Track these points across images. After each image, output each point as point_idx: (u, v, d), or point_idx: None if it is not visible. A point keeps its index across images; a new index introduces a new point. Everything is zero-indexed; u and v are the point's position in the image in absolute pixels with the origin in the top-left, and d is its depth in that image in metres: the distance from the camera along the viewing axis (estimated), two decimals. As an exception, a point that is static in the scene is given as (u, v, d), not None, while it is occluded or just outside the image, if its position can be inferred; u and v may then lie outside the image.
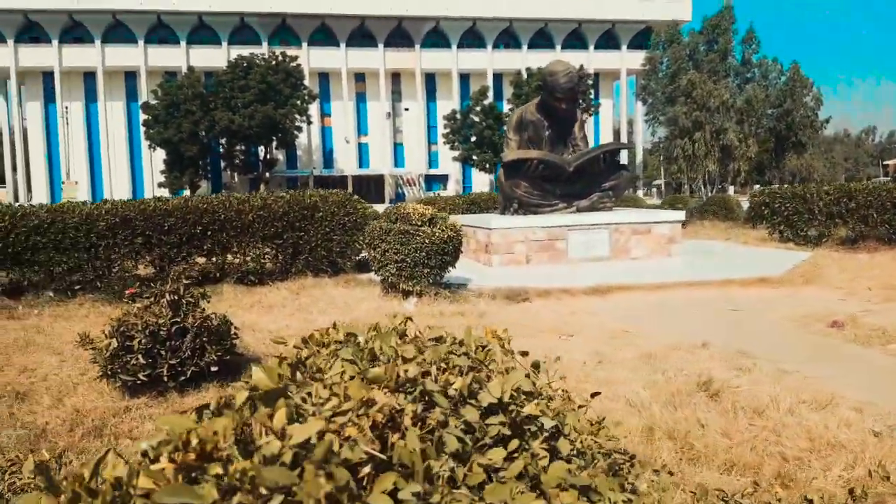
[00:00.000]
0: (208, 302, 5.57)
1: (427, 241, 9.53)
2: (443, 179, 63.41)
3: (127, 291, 6.25)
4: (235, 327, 6.02)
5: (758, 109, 41.88)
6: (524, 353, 1.65)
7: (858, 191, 14.95)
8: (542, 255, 13.02)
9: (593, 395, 1.76)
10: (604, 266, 12.44)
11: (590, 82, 51.68)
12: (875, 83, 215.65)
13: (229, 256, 11.64)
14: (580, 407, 1.51)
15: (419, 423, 0.95)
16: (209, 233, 11.04)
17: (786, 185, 16.78)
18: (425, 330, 1.48)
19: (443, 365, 1.18)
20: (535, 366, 1.48)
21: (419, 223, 9.76)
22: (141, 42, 58.16)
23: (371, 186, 61.88)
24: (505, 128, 15.01)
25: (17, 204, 12.28)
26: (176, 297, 5.26)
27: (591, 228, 13.18)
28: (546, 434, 1.09)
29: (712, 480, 3.76)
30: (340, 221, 11.81)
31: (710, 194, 35.33)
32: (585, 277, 11.07)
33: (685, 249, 14.19)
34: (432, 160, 64.33)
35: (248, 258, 11.58)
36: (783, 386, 5.55)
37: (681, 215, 14.01)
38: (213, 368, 5.38)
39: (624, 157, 66.36)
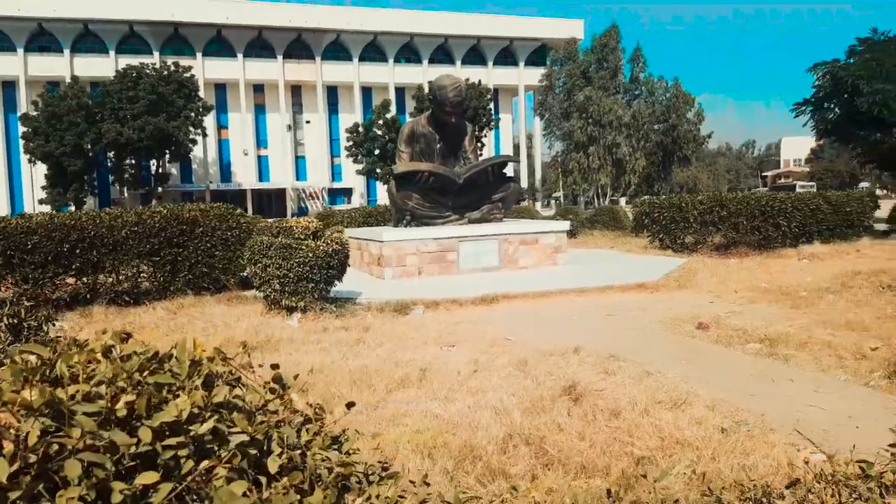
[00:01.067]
0: (53, 325, 5.17)
1: (311, 254, 9.33)
2: (347, 193, 62.80)
3: (-41, 316, 5.73)
4: (87, 351, 5.63)
5: (643, 124, 44.10)
6: (274, 366, 1.59)
7: (730, 200, 15.96)
8: (434, 266, 13.07)
9: (348, 405, 1.72)
10: (493, 276, 12.62)
11: (489, 97, 52.74)
12: (755, 99, 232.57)
13: (101, 276, 10.97)
14: (315, 422, 1.46)
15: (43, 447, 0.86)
16: (78, 251, 10.36)
17: (663, 196, 17.69)
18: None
19: (123, 384, 1.09)
20: (277, 380, 1.42)
21: (302, 237, 9.56)
22: (20, 50, 54.40)
23: (272, 200, 60.40)
24: (398, 140, 15.04)
25: None
26: (16, 321, 4.85)
27: (480, 239, 13.37)
28: (231, 452, 1.02)
29: (562, 484, 3.83)
30: (223, 236, 11.39)
31: (603, 205, 36.81)
32: (474, 288, 11.18)
33: (572, 258, 14.65)
34: (335, 173, 63.62)
35: (122, 277, 10.96)
36: (644, 387, 5.77)
37: (566, 226, 14.45)
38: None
39: (520, 170, 68.17)
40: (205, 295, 11.35)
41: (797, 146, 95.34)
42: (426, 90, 52.55)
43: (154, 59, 52.79)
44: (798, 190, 50.33)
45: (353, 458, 1.41)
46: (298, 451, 1.23)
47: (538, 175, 67.73)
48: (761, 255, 15.26)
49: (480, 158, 15.66)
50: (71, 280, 10.88)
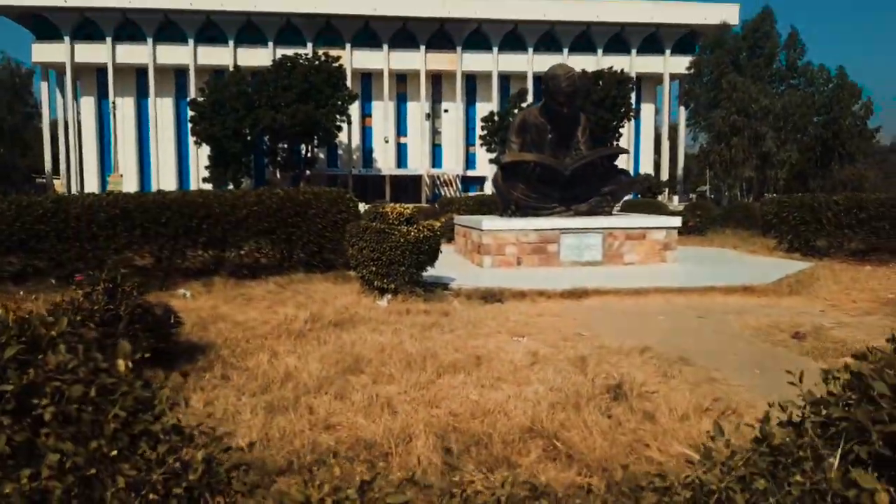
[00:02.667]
0: (139, 293, 5.83)
1: (402, 240, 9.75)
2: (480, 181, 63.40)
3: (76, 278, 6.65)
4: (177, 317, 6.35)
5: (795, 115, 40.61)
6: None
7: (870, 202, 14.55)
8: (534, 257, 13.09)
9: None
10: (593, 270, 12.44)
11: (630, 86, 50.99)
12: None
13: (226, 251, 12.09)
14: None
15: None
16: (205, 226, 11.49)
17: (798, 195, 16.39)
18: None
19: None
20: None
21: (395, 222, 9.99)
22: (191, 41, 59.97)
23: (409, 186, 62.31)
24: (508, 130, 15.12)
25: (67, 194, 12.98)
26: (111, 286, 5.59)
27: (583, 232, 13.19)
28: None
29: (559, 479, 3.86)
30: (333, 219, 12.12)
31: (738, 202, 34.52)
32: (569, 281, 11.10)
33: (685, 256, 14.05)
34: (470, 162, 64.41)
35: (243, 252, 12.01)
36: (698, 393, 5.57)
37: (677, 222, 13.87)
38: (146, 355, 5.70)
39: (661, 163, 65.24)
40: (315, 272, 12.16)
41: None
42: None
43: (307, 50, 56.12)
44: None
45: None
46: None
47: (680, 167, 64.54)
48: (903, 264, 13.78)
49: (596, 150, 15.34)
50: (199, 253, 12.09)
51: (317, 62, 50.23)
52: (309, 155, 54.81)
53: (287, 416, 4.66)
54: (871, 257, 14.38)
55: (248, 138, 51.65)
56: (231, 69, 54.90)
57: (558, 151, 14.49)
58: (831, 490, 1.09)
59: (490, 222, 13.12)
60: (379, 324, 8.20)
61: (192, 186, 57.23)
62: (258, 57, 58.91)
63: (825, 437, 1.25)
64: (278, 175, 58.73)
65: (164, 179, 58.98)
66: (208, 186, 50.55)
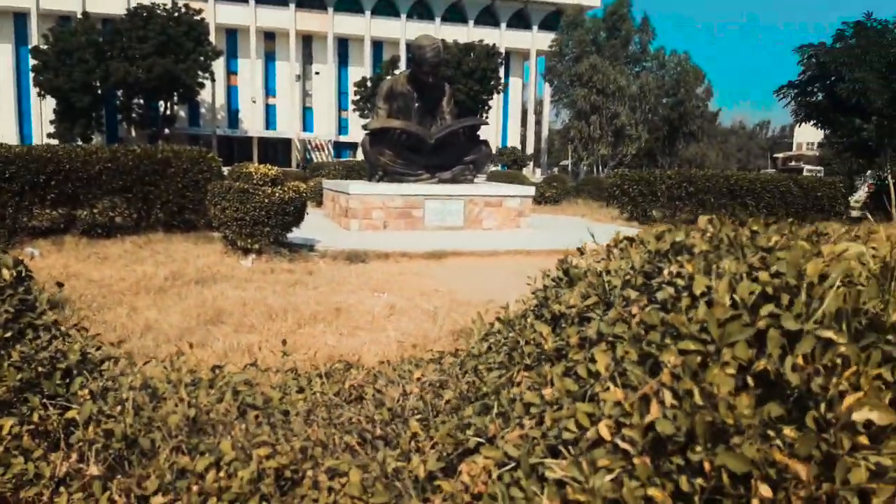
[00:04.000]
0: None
1: (267, 200, 9.88)
2: (352, 147, 62.95)
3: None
4: (27, 270, 6.23)
5: (649, 97, 43.89)
6: (59, 284, 2.14)
7: (698, 177, 16.34)
8: (399, 221, 13.60)
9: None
10: (454, 234, 13.15)
11: (499, 60, 52.44)
12: (772, 79, 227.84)
13: (78, 210, 11.57)
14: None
15: None
16: (53, 183, 10.95)
17: (637, 170, 18.03)
18: None
19: None
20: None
21: (260, 183, 10.09)
22: (34, -19, 54.37)
23: (279, 149, 60.70)
24: (376, 97, 15.41)
25: None
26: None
27: (447, 199, 13.86)
28: None
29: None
30: (194, 178, 11.94)
31: (590, 176, 37.03)
32: (432, 244, 11.71)
33: (537, 223, 15.13)
34: (342, 127, 63.73)
35: (96, 211, 11.55)
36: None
37: (531, 191, 14.90)
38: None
39: (527, 136, 67.90)
40: (175, 233, 11.96)
41: (812, 130, 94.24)
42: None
43: (166, 0, 52.65)
44: (805, 173, 50.16)
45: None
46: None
47: (544, 142, 67.55)
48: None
49: (459, 120, 16.00)
50: (47, 211, 11.49)
51: (176, 13, 47.31)
52: (168, 112, 51.80)
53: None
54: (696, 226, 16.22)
55: (99, 92, 47.96)
56: (79, 15, 50.44)
57: (424, 120, 15.01)
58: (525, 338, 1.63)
59: (357, 187, 13.45)
60: (242, 281, 8.38)
61: (36, 141, 52.37)
62: (110, 4, 54.52)
63: (538, 314, 1.80)
64: (133, 133, 55.10)
65: (3, 133, 53.52)
66: (54, 142, 46.52)
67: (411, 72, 15.00)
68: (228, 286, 8.01)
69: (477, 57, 49.56)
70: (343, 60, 63.56)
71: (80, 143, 45.93)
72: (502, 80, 54.14)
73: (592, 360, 1.17)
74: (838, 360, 0.78)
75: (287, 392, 1.77)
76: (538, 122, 68.56)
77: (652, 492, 0.82)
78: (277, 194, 9.93)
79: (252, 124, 60.44)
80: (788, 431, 0.75)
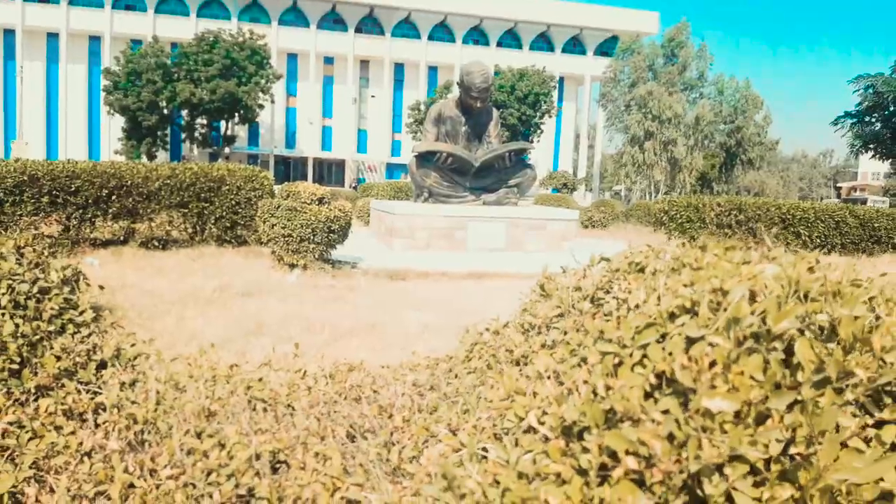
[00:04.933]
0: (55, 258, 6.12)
1: (313, 218, 10.24)
2: (404, 168, 63.97)
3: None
4: (85, 278, 6.66)
5: (703, 124, 43.33)
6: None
7: (748, 205, 16.07)
8: (442, 241, 13.82)
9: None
10: (496, 256, 13.28)
11: (553, 84, 52.65)
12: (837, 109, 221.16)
13: (137, 223, 12.20)
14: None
15: None
16: (115, 197, 11.57)
17: (685, 195, 17.83)
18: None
19: None
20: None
21: (308, 201, 10.47)
22: (107, 6, 57.50)
23: (332, 170, 62.19)
24: (425, 120, 15.78)
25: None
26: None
27: (490, 220, 14.02)
28: None
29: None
30: (247, 195, 12.42)
31: (640, 201, 36.66)
32: (471, 264, 11.87)
33: (580, 246, 15.13)
34: (395, 148, 64.86)
35: (154, 225, 12.15)
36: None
37: (575, 214, 14.94)
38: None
39: (578, 160, 67.65)
40: (227, 248, 12.45)
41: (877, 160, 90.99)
42: (491, 73, 52.55)
43: (232, 25, 54.95)
44: (870, 203, 48.36)
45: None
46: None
47: (597, 167, 67.18)
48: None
49: (505, 144, 16.20)
50: (109, 224, 12.15)
51: (241, 38, 49.33)
52: (229, 132, 53.79)
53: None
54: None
55: (165, 112, 50.21)
56: (149, 39, 53.06)
57: (471, 143, 15.28)
58: (502, 346, 1.78)
59: (403, 207, 13.75)
60: (285, 295, 8.69)
61: (104, 158, 55.03)
62: (179, 28, 57.19)
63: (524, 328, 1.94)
64: (195, 151, 57.34)
65: (73, 149, 56.53)
66: (120, 159, 48.85)
67: (460, 96, 15.30)
68: (272, 299, 8.33)
69: (530, 82, 49.88)
70: (398, 84, 64.86)
71: (144, 159, 48.11)
72: (556, 105, 54.26)
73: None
74: (719, 360, 0.91)
75: (294, 389, 1.96)
76: (591, 147, 68.30)
77: (559, 468, 0.95)
78: (324, 213, 10.27)
79: (308, 145, 62.11)
80: (658, 416, 0.87)
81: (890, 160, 19.57)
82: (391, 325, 7.35)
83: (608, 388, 1.00)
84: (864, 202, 58.60)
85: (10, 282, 1.83)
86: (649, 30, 61.00)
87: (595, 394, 1.04)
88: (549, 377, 1.21)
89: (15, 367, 1.65)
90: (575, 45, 64.94)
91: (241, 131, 58.98)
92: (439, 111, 15.52)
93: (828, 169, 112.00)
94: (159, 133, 50.52)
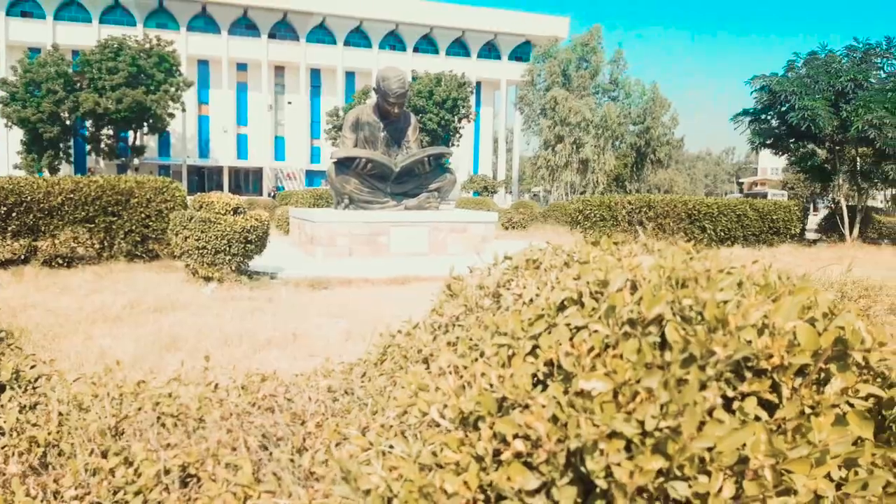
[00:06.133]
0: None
1: (229, 229, 9.99)
2: (324, 175, 63.22)
3: None
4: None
5: (612, 126, 44.96)
6: None
7: (657, 202, 16.78)
8: (365, 248, 13.76)
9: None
10: (419, 260, 13.33)
11: (470, 89, 53.29)
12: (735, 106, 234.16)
13: (39, 241, 11.56)
14: None
15: None
16: (14, 214, 10.94)
17: (595, 196, 18.47)
18: None
19: None
20: None
21: (222, 212, 10.21)
22: (1, 13, 54.17)
23: (249, 178, 60.74)
24: (343, 126, 15.70)
25: None
26: None
27: (411, 225, 14.07)
28: None
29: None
30: (158, 208, 12.01)
31: (557, 202, 37.72)
32: (395, 269, 11.88)
33: (502, 248, 15.38)
34: (314, 155, 63.98)
35: (58, 242, 11.54)
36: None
37: (494, 217, 15.20)
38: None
39: (497, 164, 68.79)
40: (137, 263, 11.98)
41: (775, 156, 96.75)
42: (409, 78, 52.72)
43: (137, 31, 52.81)
44: (769, 197, 51.35)
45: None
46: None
47: (515, 170, 68.49)
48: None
49: (424, 149, 16.31)
50: (8, 242, 11.45)
51: (147, 45, 47.47)
52: (138, 143, 51.62)
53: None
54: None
55: (67, 123, 47.71)
56: (49, 47, 50.29)
57: (390, 149, 15.30)
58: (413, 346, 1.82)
59: (323, 214, 13.61)
60: (201, 308, 8.45)
61: (2, 172, 51.69)
62: (81, 35, 54.57)
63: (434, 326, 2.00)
64: (102, 163, 54.78)
65: (-34, 164, 52.87)
66: (20, 173, 46.00)
67: (377, 102, 15.30)
68: (186, 314, 8.08)
69: (447, 87, 50.31)
70: (315, 90, 64.07)
71: (46, 173, 45.50)
72: (473, 109, 54.94)
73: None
74: (596, 345, 0.98)
75: (205, 403, 1.92)
76: (509, 150, 69.56)
77: (457, 457, 1.00)
78: (239, 223, 10.05)
79: (223, 154, 60.41)
80: (543, 401, 0.94)
81: (786, 155, 20.87)
82: (313, 334, 7.27)
83: (501, 378, 1.05)
84: (764, 196, 62.21)
85: None
86: (560, 34, 62.75)
87: (490, 385, 1.10)
88: (450, 372, 1.26)
89: None
90: (490, 51, 66.00)
91: (151, 141, 56.74)
92: (357, 117, 15.47)
93: (730, 165, 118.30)
94: (62, 145, 47.93)
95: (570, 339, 1.06)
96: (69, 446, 1.59)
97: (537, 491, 0.88)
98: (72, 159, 51.55)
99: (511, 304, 1.37)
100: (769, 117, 19.65)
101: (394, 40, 63.97)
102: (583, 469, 0.88)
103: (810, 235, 21.13)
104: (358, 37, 62.95)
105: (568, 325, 1.10)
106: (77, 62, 47.34)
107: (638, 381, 0.91)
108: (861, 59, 17.98)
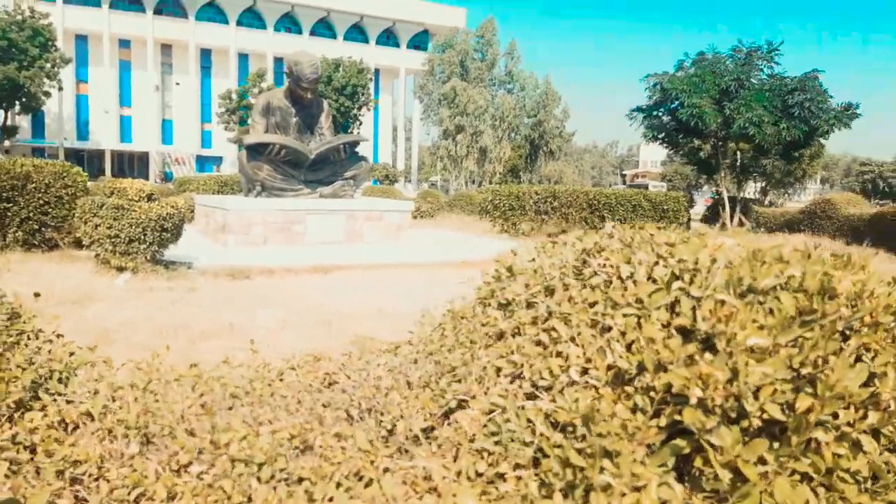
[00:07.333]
0: None
1: (143, 216, 9.57)
2: (217, 161, 60.78)
3: None
4: None
5: (508, 117, 46.19)
6: None
7: (562, 192, 17.56)
8: (280, 236, 13.53)
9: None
10: (336, 249, 13.29)
11: (369, 77, 52.87)
12: (624, 102, 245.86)
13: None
14: None
15: None
16: None
17: (507, 185, 19.09)
18: None
19: None
20: None
21: (135, 198, 9.77)
22: None
23: (135, 163, 57.39)
24: (251, 111, 15.28)
25: None
26: None
27: (328, 213, 13.98)
28: None
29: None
30: (57, 194, 11.27)
31: (462, 191, 38.43)
32: (314, 258, 11.80)
33: (415, 236, 15.60)
34: (205, 140, 61.30)
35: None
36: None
37: (409, 206, 15.40)
38: None
39: (397, 153, 68.89)
40: (35, 253, 11.20)
41: (656, 149, 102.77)
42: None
43: (7, 1, 48.38)
44: (650, 188, 54.32)
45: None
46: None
47: (415, 159, 68.77)
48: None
49: (339, 136, 16.18)
50: None
51: (19, 16, 43.66)
52: (8, 123, 47.47)
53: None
54: (560, 238, 17.42)
55: (-74, 99, 43.18)
56: None
57: (303, 135, 15.06)
58: (480, 323, 1.98)
59: (237, 202, 13.25)
60: (119, 301, 8.10)
61: None
62: (-63, 2, 49.16)
63: (486, 304, 2.18)
64: (-34, 144, 49.92)
65: None
66: None
67: (288, 87, 15.01)
68: (105, 306, 7.73)
69: (347, 73, 49.69)
70: (206, 71, 61.31)
71: None
72: (373, 97, 54.58)
73: (547, 331, 1.54)
74: (730, 313, 1.20)
75: (267, 383, 1.98)
76: (408, 139, 69.72)
77: (617, 409, 1.19)
78: (155, 210, 9.65)
79: (104, 136, 56.66)
80: (701, 358, 1.14)
81: (673, 149, 22.42)
82: (248, 323, 7.18)
83: (650, 340, 1.25)
84: (646, 187, 65.94)
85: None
86: (457, 24, 63.37)
87: (629, 348, 1.29)
88: (568, 341, 1.44)
89: (-17, 383, 1.51)
90: (388, 38, 65.69)
91: (24, 122, 52.30)
92: (268, 101, 15.11)
93: (614, 158, 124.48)
94: (-82, 124, 43.33)
95: (693, 308, 1.27)
96: (158, 427, 1.62)
97: (709, 431, 1.08)
98: (-71, 139, 46.68)
99: (602, 281, 1.55)
100: (660, 113, 20.98)
101: (289, 22, 62.29)
102: (743, 410, 1.09)
103: (693, 224, 22.81)
104: (251, 17, 60.76)
105: (688, 295, 1.31)
106: (-65, 32, 42.80)
107: (778, 337, 1.14)
108: (745, 60, 19.57)
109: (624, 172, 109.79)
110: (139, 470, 1.39)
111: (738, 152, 20.85)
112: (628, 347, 1.31)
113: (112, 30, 55.70)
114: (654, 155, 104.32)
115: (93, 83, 56.82)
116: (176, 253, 10.93)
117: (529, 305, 1.77)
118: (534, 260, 2.09)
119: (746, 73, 19.13)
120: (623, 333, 1.34)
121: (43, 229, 11.34)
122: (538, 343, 1.53)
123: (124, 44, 57.79)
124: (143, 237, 9.59)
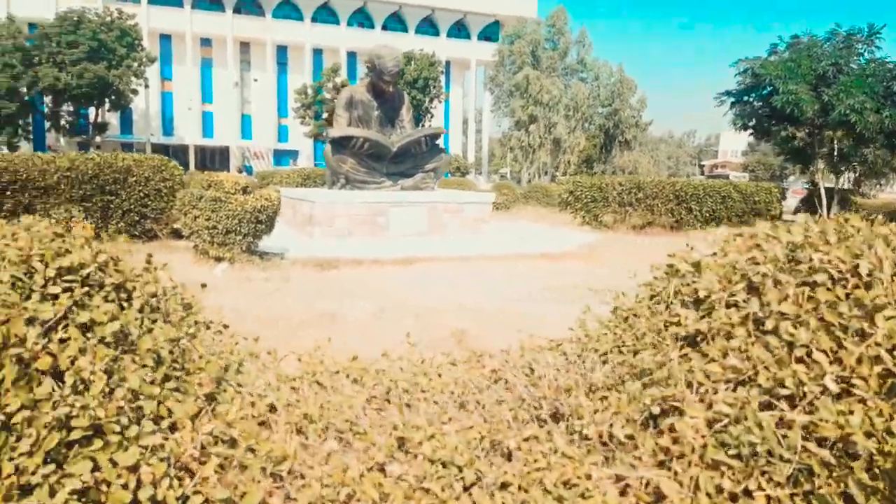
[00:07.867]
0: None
1: (240, 208, 9.83)
2: (293, 154, 62.29)
3: None
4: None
5: (582, 107, 45.30)
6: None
7: (647, 184, 17.03)
8: (364, 228, 13.68)
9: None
10: (420, 241, 13.33)
11: (440, 69, 52.91)
12: (700, 92, 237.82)
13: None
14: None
15: None
16: (9, 192, 10.57)
17: (589, 176, 18.68)
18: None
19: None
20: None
21: (232, 191, 10.04)
22: (-53, -19, 51.60)
23: (216, 157, 59.46)
24: (334, 105, 15.48)
25: None
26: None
27: (410, 205, 14.03)
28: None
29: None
30: (156, 187, 11.73)
31: (537, 182, 37.97)
32: (398, 250, 11.86)
33: (496, 228, 15.48)
34: (282, 134, 62.91)
35: (53, 220, 11.18)
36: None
37: (491, 198, 15.27)
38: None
39: (468, 145, 68.78)
40: (136, 243, 11.71)
41: (736, 139, 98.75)
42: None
43: (97, 4, 50.94)
44: (731, 178, 52.38)
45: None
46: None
47: (485, 150, 68.51)
48: (672, 236, 16.43)
49: (420, 129, 16.21)
50: (2, 221, 11.07)
51: (108, 18, 45.85)
52: (99, 119, 50.01)
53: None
54: (647, 230, 16.91)
55: (26, 98, 45.93)
56: (3, 19, 48.16)
57: (384, 128, 15.16)
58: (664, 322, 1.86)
59: (322, 195, 13.46)
60: (221, 290, 8.32)
61: (-47, 150, 49.53)
62: (37, 7, 52.35)
63: (666, 303, 2.05)
64: (62, 141, 52.94)
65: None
66: (-26, 151, 44.12)
67: (370, 81, 15.11)
68: (210, 293, 7.94)
69: (419, 66, 49.85)
70: (282, 67, 62.83)
71: (5, 150, 43.78)
72: (444, 89, 54.63)
73: (769, 333, 1.41)
74: None
75: (431, 379, 1.94)
76: (478, 131, 69.49)
77: (892, 425, 1.06)
78: (250, 202, 9.89)
79: (188, 132, 58.97)
80: None
81: (764, 137, 21.43)
82: (345, 314, 7.25)
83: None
84: (726, 178, 63.53)
85: (132, 284, 1.69)
86: (528, 14, 62.57)
87: (891, 352, 1.15)
88: (809, 345, 1.31)
89: (177, 373, 1.52)
90: (459, 30, 65.56)
91: (113, 118, 55.00)
92: (350, 95, 15.26)
93: (692, 148, 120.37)
94: (20, 122, 46.14)
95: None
96: (340, 422, 1.59)
97: None
98: (31, 136, 49.73)
99: (827, 280, 1.41)
100: (751, 99, 20.06)
101: (362, 17, 63.03)
102: None
103: (787, 217, 21.76)
104: (325, 13, 61.81)
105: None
106: (34, 35, 45.46)
107: None
108: (843, 44, 18.46)
109: (703, 163, 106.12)
110: (338, 467, 1.34)
111: (835, 140, 19.72)
112: (890, 352, 1.17)
113: (194, 29, 57.80)
114: (734, 144, 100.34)
115: (176, 80, 59.19)
116: (268, 244, 11.20)
117: (729, 305, 1.63)
118: (715, 254, 1.94)
119: (846, 58, 18.03)
120: (888, 337, 1.20)
121: (143, 220, 11.83)
122: (766, 346, 1.40)
123: (205, 42, 59.88)
124: (238, 228, 9.85)
